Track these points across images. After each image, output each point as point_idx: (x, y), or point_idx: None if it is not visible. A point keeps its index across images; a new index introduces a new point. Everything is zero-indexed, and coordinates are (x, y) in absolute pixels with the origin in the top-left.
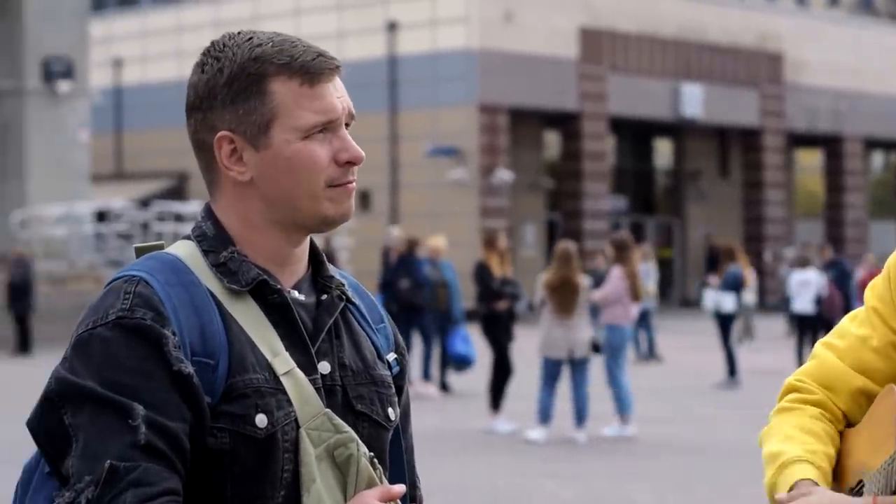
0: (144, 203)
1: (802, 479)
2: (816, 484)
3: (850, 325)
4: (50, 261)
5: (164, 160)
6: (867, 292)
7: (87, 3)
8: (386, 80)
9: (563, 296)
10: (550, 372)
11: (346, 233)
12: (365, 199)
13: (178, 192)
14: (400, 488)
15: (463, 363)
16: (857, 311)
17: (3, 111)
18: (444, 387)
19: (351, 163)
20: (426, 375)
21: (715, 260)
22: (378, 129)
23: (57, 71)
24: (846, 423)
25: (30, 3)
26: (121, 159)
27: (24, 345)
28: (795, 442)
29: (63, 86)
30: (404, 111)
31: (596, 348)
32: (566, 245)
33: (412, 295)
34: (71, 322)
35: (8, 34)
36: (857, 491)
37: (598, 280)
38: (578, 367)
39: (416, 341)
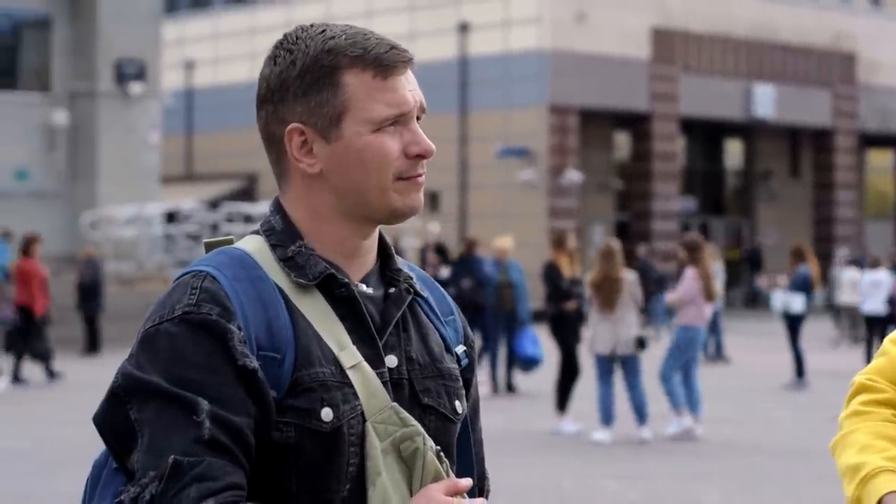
0: (214, 204)
1: (890, 493)
2: None
3: None
4: (119, 262)
5: (233, 161)
6: None
7: (160, 6)
8: (457, 81)
9: (606, 291)
10: (601, 368)
11: (413, 233)
12: (434, 199)
13: (247, 193)
14: (467, 482)
15: (530, 364)
16: None
17: (75, 113)
18: (510, 387)
19: (421, 156)
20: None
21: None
22: (448, 129)
23: (129, 73)
24: None
25: (103, 5)
26: (191, 161)
27: (92, 345)
28: (874, 451)
29: (135, 88)
30: (475, 112)
31: (641, 345)
32: (609, 242)
33: (474, 294)
34: (139, 323)
35: (81, 36)
36: None
37: (658, 281)
38: (628, 364)
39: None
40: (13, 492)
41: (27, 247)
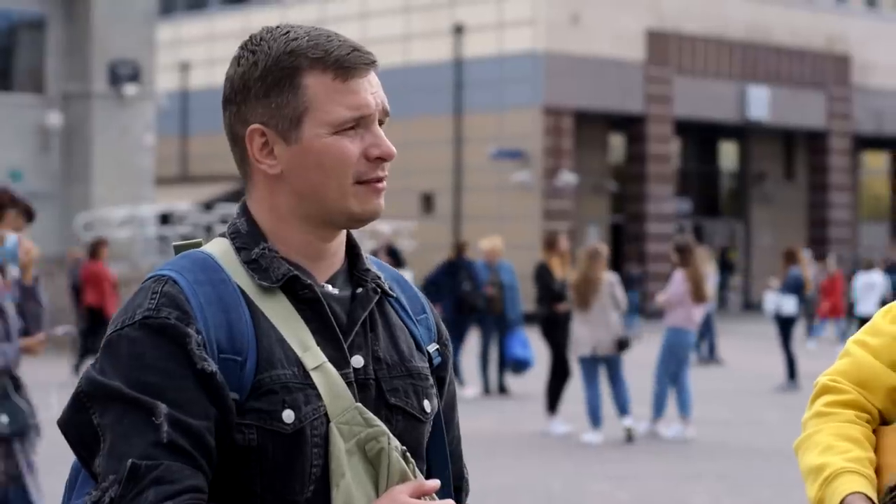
0: (208, 206)
1: (851, 493)
2: (866, 496)
3: (883, 322)
4: (113, 263)
5: (228, 163)
6: None
7: (155, 7)
8: (451, 83)
9: (583, 291)
10: (586, 370)
11: (408, 235)
12: (428, 201)
13: (241, 195)
14: (434, 483)
15: (521, 366)
16: (890, 307)
17: (69, 114)
18: (502, 389)
19: (381, 159)
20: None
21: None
22: (443, 131)
23: (124, 74)
24: (882, 421)
25: (97, 6)
26: (186, 162)
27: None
28: (836, 452)
29: (129, 89)
30: (469, 114)
31: (622, 346)
32: (594, 244)
33: (474, 297)
34: None
35: (76, 37)
36: (895, 487)
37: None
38: (611, 364)
39: (472, 345)
40: None
41: (94, 250)
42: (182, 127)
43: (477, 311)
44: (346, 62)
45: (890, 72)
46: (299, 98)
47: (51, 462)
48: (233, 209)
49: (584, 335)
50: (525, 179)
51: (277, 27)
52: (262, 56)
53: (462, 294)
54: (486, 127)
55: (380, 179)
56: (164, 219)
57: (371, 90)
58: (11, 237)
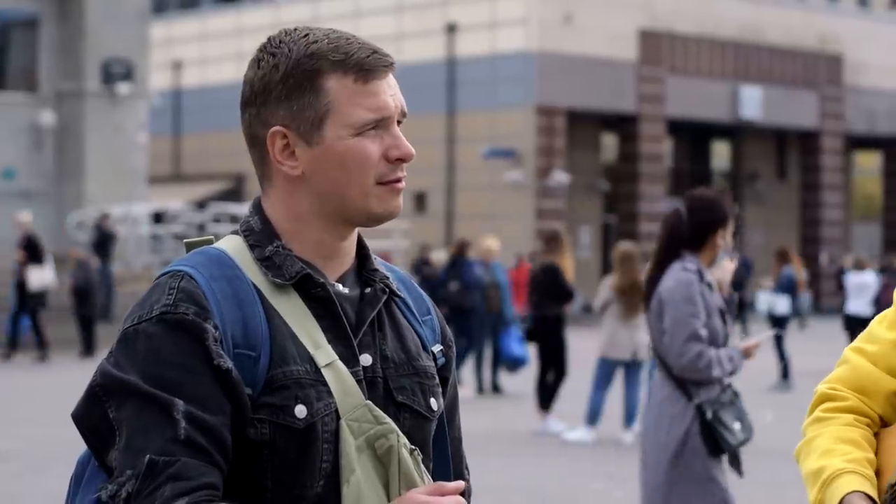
0: (201, 205)
1: (850, 493)
2: (866, 495)
3: (879, 329)
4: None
5: (221, 162)
6: None
7: (148, 6)
8: (444, 82)
9: (632, 297)
10: (607, 373)
11: (401, 234)
12: (420, 200)
13: (235, 193)
14: (457, 485)
15: (516, 364)
16: (886, 314)
17: (62, 112)
18: (496, 388)
19: (401, 160)
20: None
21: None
22: (435, 130)
23: (117, 73)
24: (882, 425)
25: (90, 5)
26: (179, 161)
27: (88, 347)
28: (835, 455)
29: (122, 88)
30: (462, 113)
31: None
32: (627, 247)
33: (460, 298)
34: None
35: (69, 36)
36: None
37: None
38: (634, 368)
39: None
40: (4, 492)
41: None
42: (175, 126)
43: (463, 310)
44: (366, 64)
45: (882, 72)
46: (321, 100)
47: (48, 462)
48: (226, 207)
49: (625, 339)
50: (517, 179)
51: (296, 29)
52: (282, 58)
53: (449, 294)
54: (479, 126)
55: (399, 180)
56: (157, 217)
57: (390, 92)
58: None
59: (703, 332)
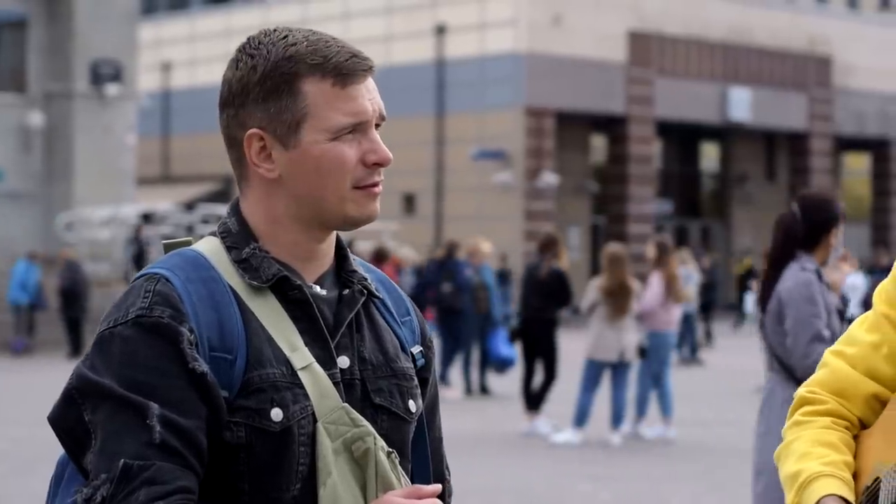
0: (190, 206)
1: (826, 496)
2: (842, 498)
3: (859, 331)
4: (95, 263)
5: (210, 164)
6: (876, 296)
7: (137, 7)
8: (433, 84)
9: (620, 299)
10: (594, 374)
11: (390, 235)
12: (409, 202)
13: (223, 195)
14: (434, 488)
15: (504, 365)
16: (866, 316)
17: (51, 113)
18: (483, 389)
19: (378, 164)
20: (444, 376)
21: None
22: (424, 132)
23: (105, 74)
24: (862, 427)
25: (79, 6)
26: (167, 162)
27: (76, 348)
28: (812, 458)
29: (111, 89)
30: (451, 114)
31: (642, 353)
32: (616, 248)
33: (452, 299)
34: None
35: (57, 37)
36: (873, 488)
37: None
38: (622, 370)
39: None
40: None
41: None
42: (164, 127)
43: (455, 312)
44: (344, 68)
45: (871, 73)
46: (298, 104)
47: (33, 463)
48: (214, 209)
49: (612, 340)
50: (506, 180)
51: (275, 30)
52: (260, 60)
53: (442, 295)
54: (468, 127)
55: (376, 184)
56: (146, 219)
57: (369, 96)
58: None
59: (826, 333)
